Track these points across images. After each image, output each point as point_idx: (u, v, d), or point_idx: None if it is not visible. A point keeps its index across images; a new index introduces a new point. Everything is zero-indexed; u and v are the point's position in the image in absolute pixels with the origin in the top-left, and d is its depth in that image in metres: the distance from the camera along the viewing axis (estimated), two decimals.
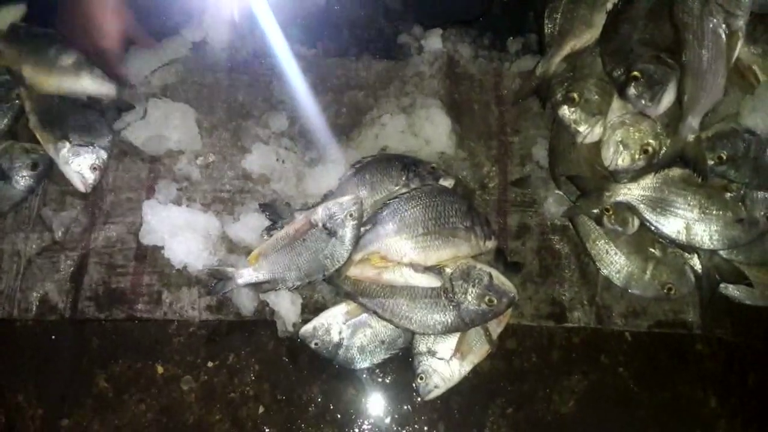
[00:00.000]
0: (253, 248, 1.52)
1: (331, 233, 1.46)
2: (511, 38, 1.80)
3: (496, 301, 1.47)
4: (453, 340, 1.51)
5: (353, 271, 1.50)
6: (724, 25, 1.49)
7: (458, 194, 1.60)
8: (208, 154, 1.66)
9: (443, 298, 1.48)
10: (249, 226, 1.58)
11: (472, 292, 1.47)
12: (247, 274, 1.49)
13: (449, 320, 1.47)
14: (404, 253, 1.47)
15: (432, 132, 1.67)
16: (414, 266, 1.48)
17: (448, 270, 1.50)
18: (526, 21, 1.81)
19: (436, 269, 1.49)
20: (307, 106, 1.69)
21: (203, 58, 1.74)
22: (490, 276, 1.50)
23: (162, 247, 1.54)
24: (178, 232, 1.55)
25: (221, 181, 1.65)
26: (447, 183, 1.56)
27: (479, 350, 1.52)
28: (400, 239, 1.48)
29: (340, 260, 1.47)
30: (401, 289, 1.48)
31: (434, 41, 1.77)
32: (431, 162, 1.59)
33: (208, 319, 1.54)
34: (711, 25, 1.48)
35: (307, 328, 1.52)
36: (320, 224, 1.47)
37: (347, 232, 1.47)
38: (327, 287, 1.56)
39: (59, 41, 1.64)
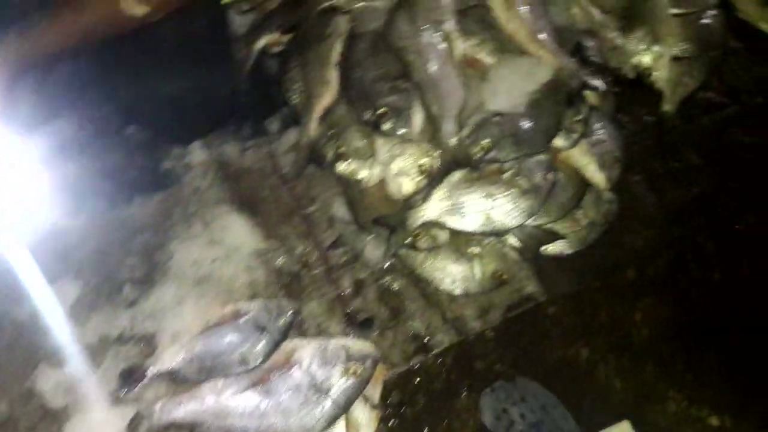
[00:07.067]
0: None
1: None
2: (268, 119, 1.83)
3: (361, 369, 1.47)
4: (341, 425, 1.50)
5: None
6: (437, 34, 1.63)
7: None
8: None
9: (311, 393, 1.46)
10: None
11: (335, 372, 1.47)
12: None
13: (326, 411, 1.44)
14: None
15: (234, 238, 1.66)
16: None
17: (305, 363, 1.49)
18: (276, 97, 1.84)
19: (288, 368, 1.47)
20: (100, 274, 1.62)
21: None
22: (345, 347, 1.51)
23: None
24: None
25: None
26: None
27: (369, 422, 1.51)
28: None
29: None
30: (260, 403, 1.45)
31: (198, 154, 1.76)
32: None
33: None
34: (426, 40, 1.61)
35: None
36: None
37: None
38: None
39: None
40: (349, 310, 1.65)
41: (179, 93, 1.74)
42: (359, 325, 1.62)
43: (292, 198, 1.77)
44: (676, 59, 1.85)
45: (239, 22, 1.82)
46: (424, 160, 1.63)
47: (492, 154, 1.62)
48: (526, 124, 1.61)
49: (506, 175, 1.63)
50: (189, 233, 1.66)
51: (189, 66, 1.74)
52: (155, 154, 1.76)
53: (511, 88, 1.64)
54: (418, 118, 1.60)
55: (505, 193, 1.62)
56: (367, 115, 1.61)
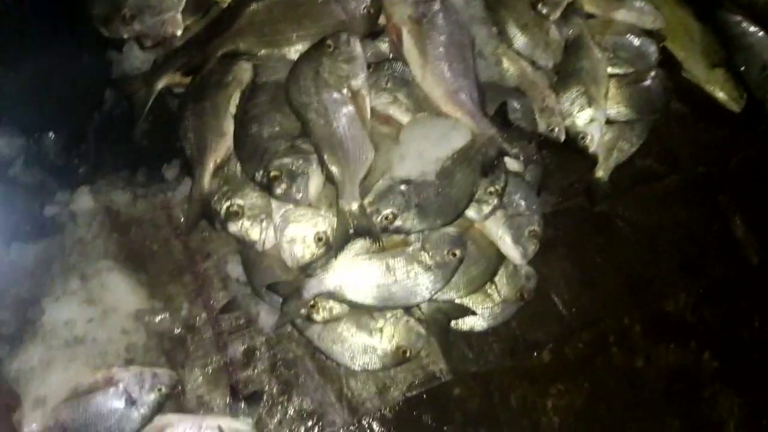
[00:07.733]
0: None
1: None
2: (166, 165, 1.69)
3: None
4: None
5: None
6: (344, 90, 1.49)
7: None
8: None
9: None
10: None
11: None
12: None
13: None
14: None
15: (113, 297, 1.53)
16: None
17: None
18: (176, 142, 1.69)
19: None
20: None
21: None
22: (221, 427, 1.40)
23: None
24: None
25: None
26: None
27: None
28: None
29: None
30: None
31: (84, 200, 1.62)
32: None
33: None
34: (331, 96, 1.47)
35: None
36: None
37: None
38: None
39: None
40: (235, 382, 1.53)
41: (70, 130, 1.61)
42: (245, 399, 1.49)
43: (185, 253, 1.63)
44: (612, 122, 1.72)
45: (141, 58, 1.68)
46: (322, 228, 1.50)
47: (396, 225, 1.49)
48: (434, 194, 1.48)
49: (411, 248, 1.50)
50: (66, 288, 1.52)
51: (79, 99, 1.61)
52: (38, 198, 1.62)
53: (421, 153, 1.50)
54: (315, 182, 1.46)
55: (407, 269, 1.48)
56: (259, 176, 1.47)
